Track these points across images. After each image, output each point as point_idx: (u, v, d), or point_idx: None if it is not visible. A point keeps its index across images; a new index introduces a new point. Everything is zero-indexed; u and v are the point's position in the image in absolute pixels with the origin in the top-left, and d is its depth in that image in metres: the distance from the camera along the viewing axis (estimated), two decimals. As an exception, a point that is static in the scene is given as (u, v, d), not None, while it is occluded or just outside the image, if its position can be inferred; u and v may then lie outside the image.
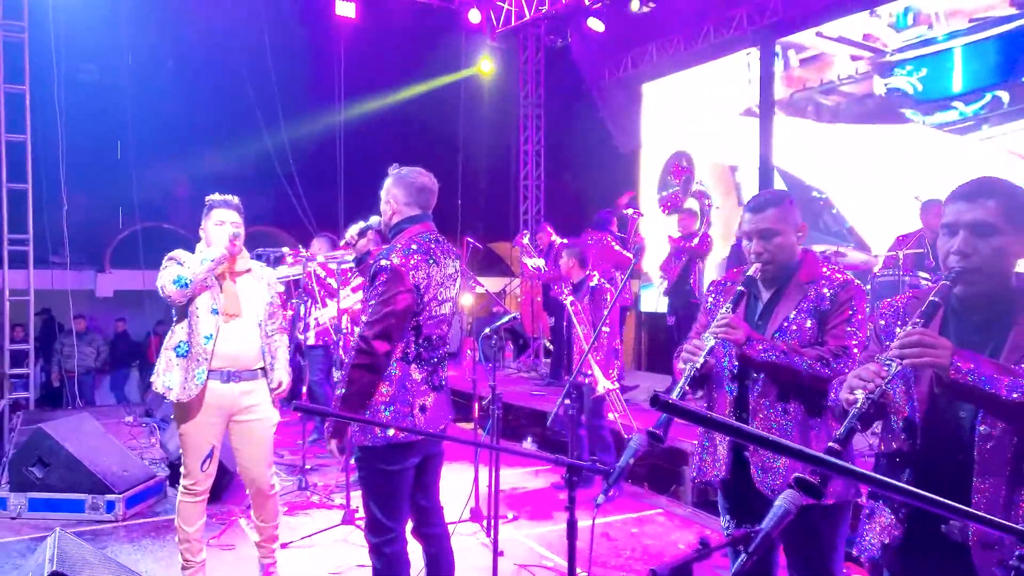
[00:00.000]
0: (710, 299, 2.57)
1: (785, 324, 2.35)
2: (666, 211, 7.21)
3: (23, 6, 7.77)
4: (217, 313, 3.48)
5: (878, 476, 1.01)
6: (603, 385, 5.20)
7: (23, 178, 7.81)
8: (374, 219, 3.86)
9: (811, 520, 2.25)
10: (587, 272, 5.64)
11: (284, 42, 10.26)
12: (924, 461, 1.77)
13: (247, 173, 10.78)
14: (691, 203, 7.07)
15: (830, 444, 1.68)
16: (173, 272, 3.42)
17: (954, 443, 1.72)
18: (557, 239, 7.92)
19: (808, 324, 2.32)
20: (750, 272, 2.39)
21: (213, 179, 10.82)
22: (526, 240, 8.00)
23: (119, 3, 9.05)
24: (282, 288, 3.80)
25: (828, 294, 2.32)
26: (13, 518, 4.70)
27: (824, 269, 2.40)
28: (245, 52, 10.11)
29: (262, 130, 10.15)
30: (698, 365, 2.25)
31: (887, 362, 1.69)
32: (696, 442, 2.55)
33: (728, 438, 2.37)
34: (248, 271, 3.67)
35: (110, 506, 4.74)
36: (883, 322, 1.96)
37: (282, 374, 3.71)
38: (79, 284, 8.23)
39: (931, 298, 1.72)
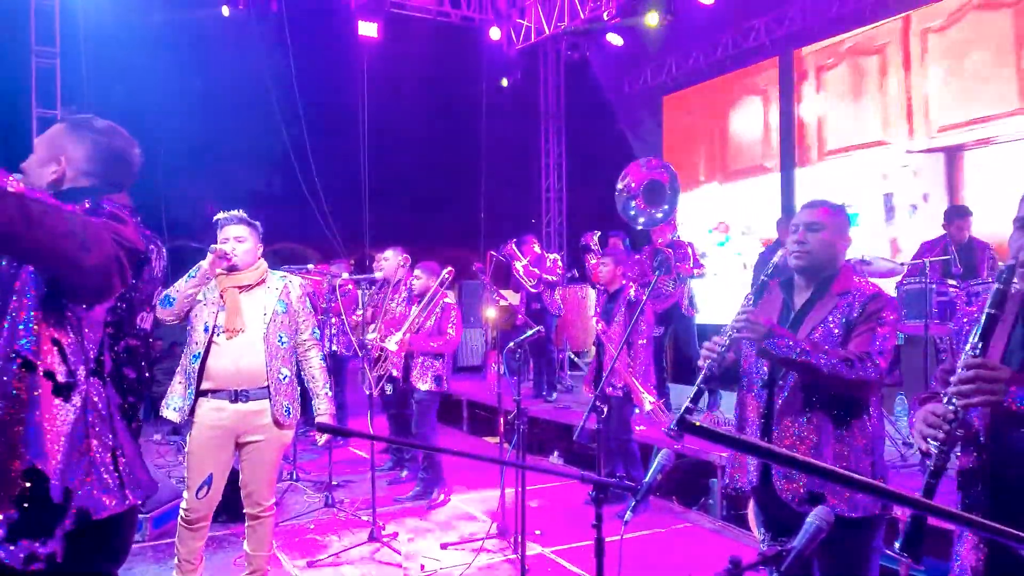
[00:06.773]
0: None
1: (816, 329, 2.34)
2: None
3: (55, 32, 7.97)
4: (208, 331, 3.34)
5: (904, 493, 0.97)
6: (648, 401, 5.05)
7: (55, 200, 7.99)
8: None
9: (835, 533, 2.22)
10: (624, 283, 5.50)
11: (309, 62, 10.39)
12: (993, 477, 1.74)
13: (274, 191, 10.90)
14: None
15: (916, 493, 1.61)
16: (163, 293, 3.37)
17: (1017, 459, 1.69)
18: (546, 255, 8.20)
19: (837, 332, 2.33)
20: (775, 259, 2.38)
21: (241, 197, 10.95)
22: (514, 246, 8.11)
23: (148, 26, 9.23)
24: (300, 292, 3.67)
25: (858, 305, 2.33)
26: (46, 535, 4.74)
27: (856, 279, 2.42)
28: (271, 72, 10.26)
29: (288, 149, 10.29)
30: (715, 361, 2.28)
31: (950, 403, 1.65)
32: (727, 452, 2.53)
33: None
34: (261, 283, 3.51)
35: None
36: (958, 329, 1.92)
37: (323, 402, 3.63)
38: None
39: (988, 310, 1.65)
